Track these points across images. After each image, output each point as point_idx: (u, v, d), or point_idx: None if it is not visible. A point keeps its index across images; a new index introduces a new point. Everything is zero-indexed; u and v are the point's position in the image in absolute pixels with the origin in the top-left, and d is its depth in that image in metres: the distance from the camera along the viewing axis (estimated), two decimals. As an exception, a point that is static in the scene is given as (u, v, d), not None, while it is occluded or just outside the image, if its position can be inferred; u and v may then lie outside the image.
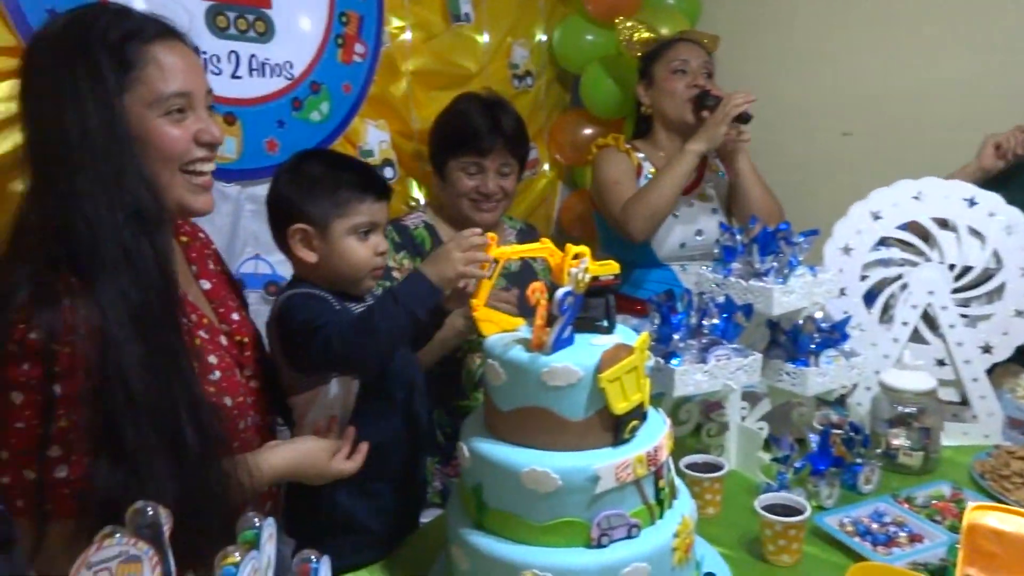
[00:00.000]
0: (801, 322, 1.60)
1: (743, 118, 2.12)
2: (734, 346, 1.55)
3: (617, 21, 2.49)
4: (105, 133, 1.06)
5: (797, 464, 1.46)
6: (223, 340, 1.29)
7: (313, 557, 0.76)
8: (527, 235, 2.10)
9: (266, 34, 1.83)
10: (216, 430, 1.12)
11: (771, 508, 1.31)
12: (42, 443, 1.03)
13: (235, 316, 1.34)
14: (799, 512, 1.30)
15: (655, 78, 2.29)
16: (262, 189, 1.85)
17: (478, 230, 1.29)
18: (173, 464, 1.04)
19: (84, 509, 1.02)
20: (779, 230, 1.61)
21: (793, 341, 1.60)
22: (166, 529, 0.69)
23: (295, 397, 1.37)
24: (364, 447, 1.32)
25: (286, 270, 1.86)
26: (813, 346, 1.58)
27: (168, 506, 0.98)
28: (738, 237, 1.67)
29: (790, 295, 1.58)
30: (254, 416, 1.32)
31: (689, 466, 1.46)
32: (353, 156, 1.98)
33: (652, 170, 2.27)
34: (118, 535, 0.64)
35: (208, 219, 1.73)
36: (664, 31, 2.52)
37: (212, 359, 1.23)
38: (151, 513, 0.68)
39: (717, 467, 1.46)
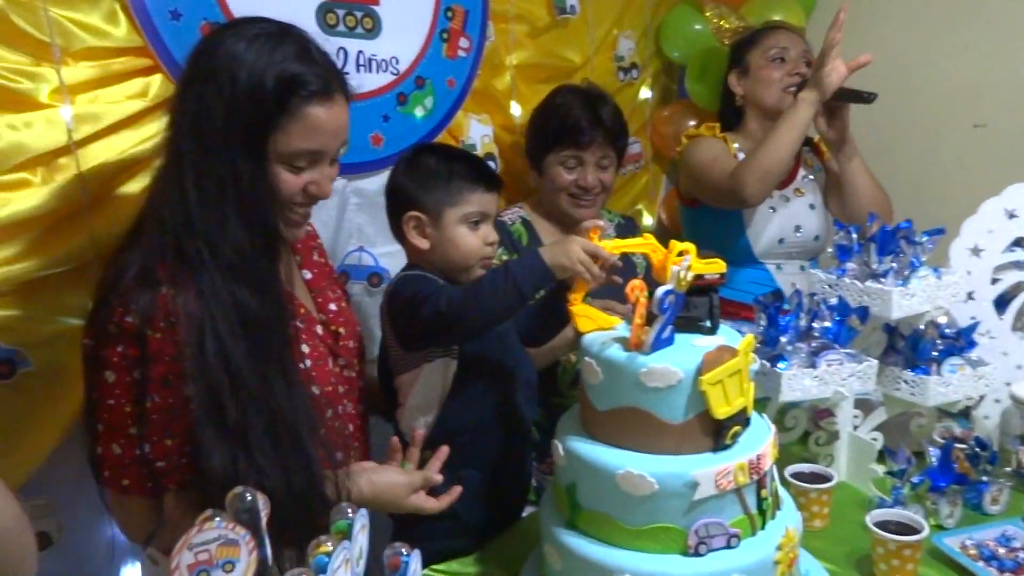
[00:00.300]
0: (923, 327, 1.50)
1: (865, 98, 1.96)
2: (847, 351, 1.46)
3: (708, 9, 2.39)
4: (249, 160, 1.13)
5: (914, 479, 1.37)
6: (319, 329, 1.33)
7: (404, 550, 0.76)
8: (626, 228, 2.06)
9: (373, 31, 1.86)
10: (312, 419, 1.16)
11: (884, 525, 1.24)
12: (129, 421, 1.10)
13: (332, 307, 1.37)
14: (915, 531, 1.21)
15: (750, 66, 2.17)
16: (367, 183, 1.90)
17: (600, 223, 1.30)
18: (273, 445, 1.09)
19: (192, 483, 1.08)
20: (900, 228, 1.52)
21: (913, 348, 1.50)
22: (264, 515, 0.71)
23: (400, 377, 1.42)
24: (457, 490, 1.33)
25: (389, 262, 1.90)
26: (935, 353, 1.48)
27: (272, 484, 1.04)
28: (854, 235, 1.58)
29: (911, 298, 1.48)
30: (346, 405, 1.35)
31: (795, 475, 1.39)
32: (466, 150, 1.99)
33: None
34: (218, 519, 0.66)
35: (314, 212, 1.80)
36: (778, 17, 2.41)
37: (304, 348, 1.26)
38: (249, 499, 0.69)
39: (826, 478, 1.39)
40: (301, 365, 1.24)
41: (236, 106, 1.11)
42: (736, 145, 2.17)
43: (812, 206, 2.20)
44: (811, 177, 2.23)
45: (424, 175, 1.43)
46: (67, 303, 1.38)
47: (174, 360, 1.08)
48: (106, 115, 1.43)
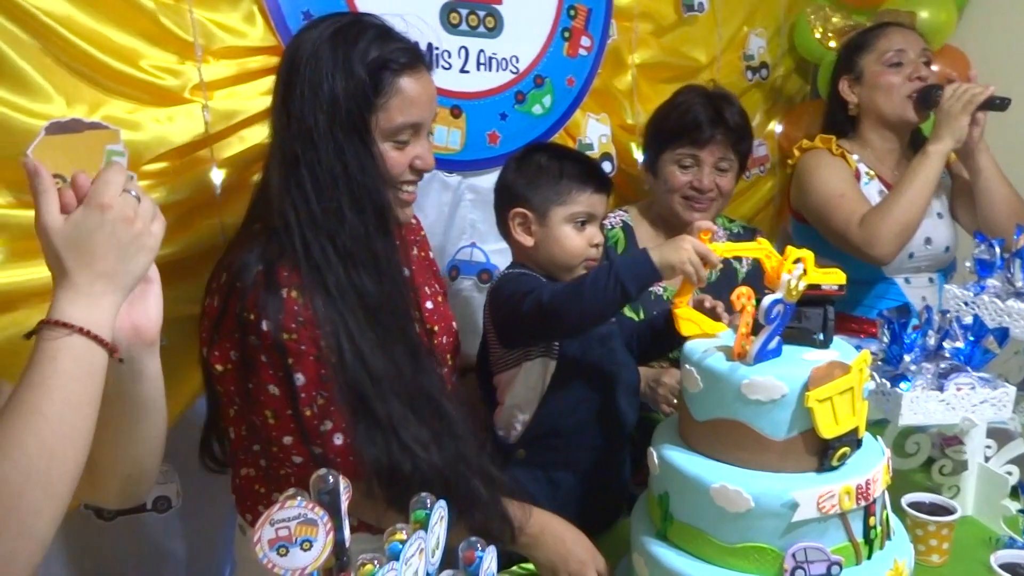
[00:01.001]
0: (1072, 354, 1.36)
1: (997, 104, 1.79)
2: (981, 375, 1.35)
3: (809, 8, 2.24)
4: (358, 145, 1.18)
5: (1052, 520, 1.25)
6: (415, 327, 1.33)
7: (480, 544, 0.76)
8: (745, 239, 1.97)
9: (495, 29, 1.88)
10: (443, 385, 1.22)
11: (1013, 568, 1.13)
12: (298, 424, 1.15)
13: (429, 304, 1.39)
14: (1048, 577, 1.10)
15: (865, 72, 2.00)
16: (482, 180, 1.93)
17: (711, 225, 1.27)
18: (419, 422, 1.14)
19: (357, 473, 1.11)
20: (1051, 244, 1.38)
21: (1059, 376, 1.37)
22: (344, 498, 0.73)
23: (499, 375, 1.43)
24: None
25: (499, 259, 1.92)
26: (1086, 384, 1.34)
27: (429, 461, 1.12)
28: (997, 249, 1.45)
29: (1059, 321, 1.35)
30: None
31: (913, 505, 1.30)
32: (578, 150, 1.98)
33: (870, 172, 2.01)
34: (299, 498, 0.69)
35: (429, 206, 1.85)
36: (924, 14, 2.25)
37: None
38: (332, 481, 0.72)
39: (948, 510, 1.28)
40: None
41: (336, 100, 1.16)
42: (855, 157, 2.02)
43: (940, 215, 2.04)
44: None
45: (533, 172, 1.43)
46: (200, 284, 1.48)
47: (319, 359, 1.13)
48: (241, 110, 1.52)
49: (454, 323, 1.46)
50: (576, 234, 1.41)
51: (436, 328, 1.39)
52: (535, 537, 1.22)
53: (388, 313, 1.18)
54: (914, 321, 1.40)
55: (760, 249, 1.21)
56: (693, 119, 1.77)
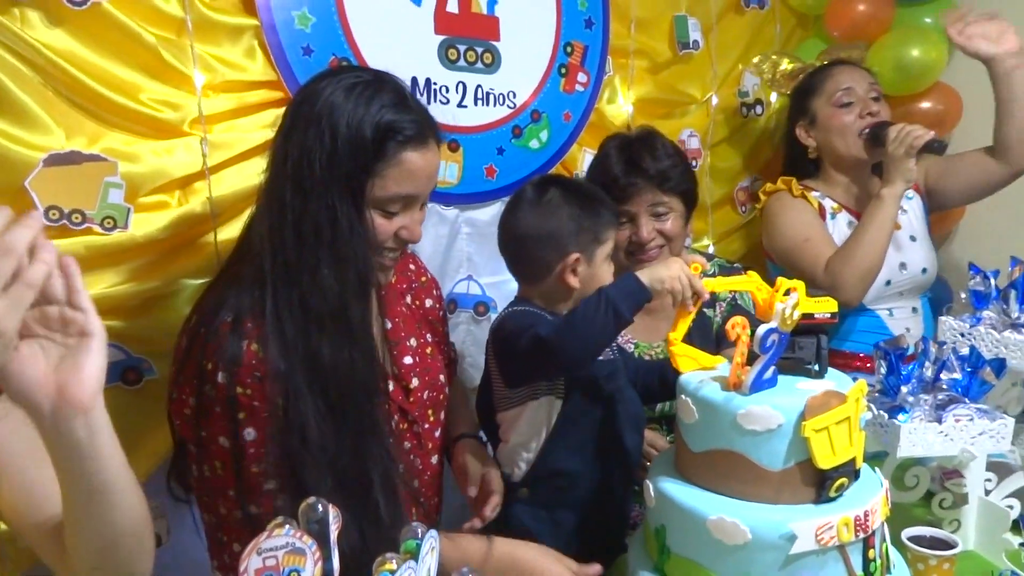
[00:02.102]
0: (1070, 385, 1.35)
1: (935, 148, 1.83)
2: (979, 406, 1.34)
3: (756, 60, 2.25)
4: (349, 201, 1.15)
5: (1055, 554, 1.23)
6: (390, 385, 1.31)
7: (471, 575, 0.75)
8: (729, 273, 1.96)
9: (492, 65, 1.91)
10: (401, 485, 1.18)
11: (1015, 602, 1.11)
12: (237, 482, 1.13)
13: (407, 359, 1.35)
14: (1052, 612, 1.08)
15: (818, 116, 2.03)
16: (479, 213, 1.94)
17: (701, 259, 1.27)
18: (357, 512, 1.08)
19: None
20: (1046, 275, 1.38)
21: (1058, 407, 1.36)
22: (334, 528, 0.72)
23: (503, 413, 1.40)
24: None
25: (496, 292, 1.92)
26: (1085, 416, 1.33)
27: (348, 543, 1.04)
28: (992, 281, 1.46)
29: (1056, 352, 1.34)
30: (413, 460, 1.33)
31: (913, 539, 1.28)
32: (585, 182, 1.96)
33: (835, 206, 2.03)
34: (288, 527, 0.68)
35: (426, 239, 1.85)
36: (915, 52, 2.28)
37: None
38: (321, 510, 0.71)
39: (949, 544, 1.27)
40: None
41: (336, 154, 1.14)
42: (817, 193, 2.04)
43: (913, 238, 2.05)
44: (904, 208, 2.02)
45: (576, 215, 1.38)
46: (193, 317, 1.48)
47: (271, 416, 1.11)
48: (238, 143, 1.53)
49: (442, 376, 1.42)
50: (609, 269, 1.42)
51: (415, 383, 1.34)
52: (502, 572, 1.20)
53: (346, 383, 1.14)
54: (910, 350, 1.39)
55: (750, 282, 1.22)
56: (610, 175, 1.68)
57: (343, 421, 1.13)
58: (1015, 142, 1.92)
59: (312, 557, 0.68)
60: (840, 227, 2.00)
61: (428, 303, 1.49)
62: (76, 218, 1.37)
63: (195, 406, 1.13)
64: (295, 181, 1.15)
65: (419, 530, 0.75)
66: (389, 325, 1.35)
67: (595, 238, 1.39)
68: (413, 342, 1.39)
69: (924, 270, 2.05)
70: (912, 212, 2.08)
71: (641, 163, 1.66)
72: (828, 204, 2.04)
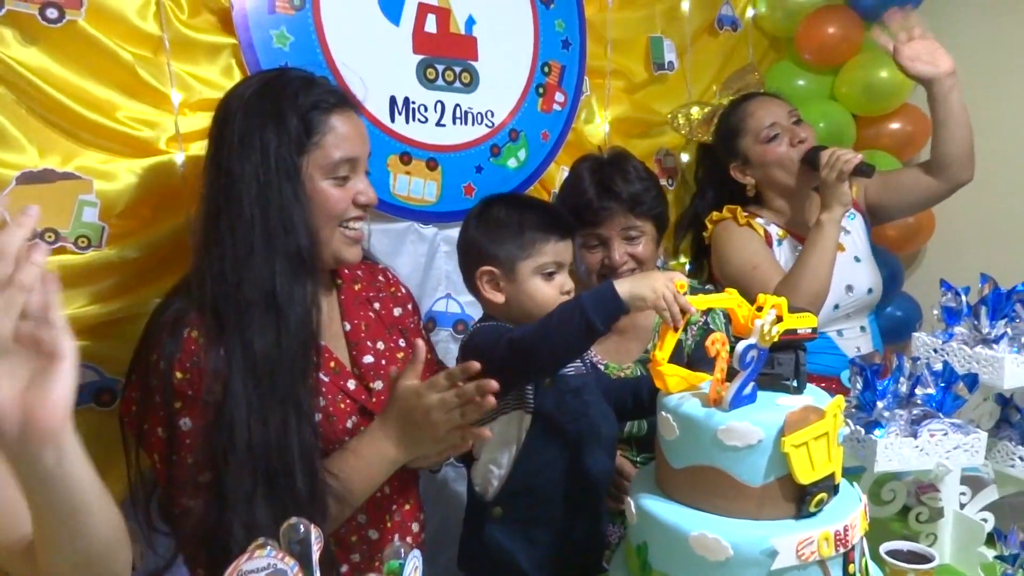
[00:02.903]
0: (1041, 399, 1.38)
1: (863, 171, 1.87)
2: (953, 421, 1.36)
3: (669, 116, 2.29)
4: (284, 187, 1.19)
5: (1029, 566, 1.24)
6: (351, 384, 1.31)
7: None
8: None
9: (471, 85, 1.92)
10: (322, 481, 1.17)
11: (992, 615, 1.12)
12: (165, 475, 1.15)
13: (368, 359, 1.35)
14: (1028, 624, 1.09)
15: (750, 155, 2.04)
16: (457, 231, 1.93)
17: (683, 278, 1.24)
18: (276, 510, 1.10)
19: (184, 539, 1.13)
20: (1015, 291, 1.41)
21: (1030, 421, 1.38)
22: (316, 548, 0.71)
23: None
24: (486, 433, 1.23)
25: (474, 310, 1.91)
26: (1056, 429, 1.35)
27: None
28: (963, 297, 1.48)
29: (1026, 367, 1.37)
30: None
31: (891, 553, 1.28)
32: (537, 198, 1.97)
33: (780, 232, 2.05)
34: (268, 548, 0.67)
35: (405, 257, 1.85)
36: (883, 74, 2.33)
37: (321, 401, 1.25)
38: (303, 530, 0.70)
39: (926, 558, 1.27)
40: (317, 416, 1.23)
41: (265, 149, 1.19)
42: (762, 220, 2.06)
43: (858, 259, 2.07)
44: (847, 229, 2.06)
45: (494, 227, 1.39)
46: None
47: (205, 407, 1.13)
48: (215, 161, 1.53)
49: None
50: (546, 285, 1.38)
51: (378, 385, 1.34)
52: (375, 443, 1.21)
53: (276, 365, 1.15)
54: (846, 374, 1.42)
55: (731, 299, 1.22)
56: (584, 199, 1.68)
57: (271, 407, 1.14)
58: (953, 160, 1.97)
59: (294, 578, 0.67)
60: (786, 253, 2.03)
61: (396, 312, 1.48)
62: (49, 237, 1.35)
63: (139, 400, 1.17)
64: (227, 188, 1.19)
65: (402, 550, 0.74)
66: (348, 327, 1.37)
67: (519, 253, 1.36)
68: (381, 345, 1.39)
69: (870, 290, 2.07)
70: (855, 232, 2.11)
71: (613, 187, 1.66)
72: (774, 231, 2.06)
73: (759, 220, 2.06)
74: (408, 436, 1.19)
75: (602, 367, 1.72)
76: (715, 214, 2.11)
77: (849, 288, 2.03)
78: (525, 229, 1.37)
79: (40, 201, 1.35)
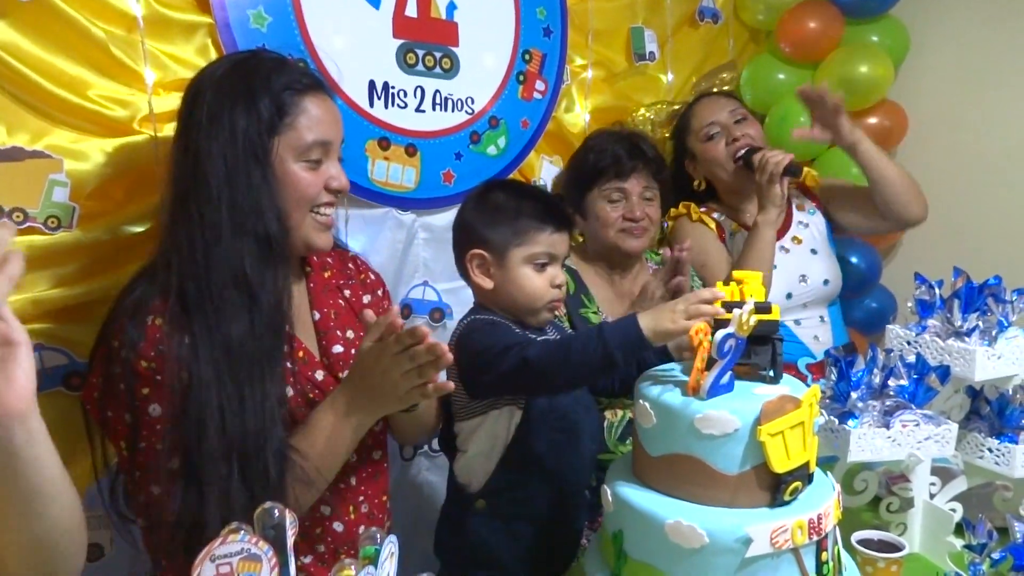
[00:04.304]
0: (1010, 392, 1.40)
1: (792, 171, 1.91)
2: (925, 412, 1.37)
3: (631, 115, 2.31)
4: (252, 169, 1.17)
5: (996, 555, 1.26)
6: (319, 374, 1.29)
7: (431, 581, 0.74)
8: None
9: (451, 70, 1.91)
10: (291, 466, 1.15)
11: (960, 602, 1.14)
12: (130, 463, 1.13)
13: (338, 348, 1.33)
14: (995, 612, 1.11)
15: (696, 151, 2.12)
16: (436, 218, 1.93)
17: (715, 290, 1.16)
18: (248, 495, 1.09)
19: (155, 525, 1.11)
20: (987, 285, 1.43)
21: (999, 413, 1.41)
22: (291, 534, 0.70)
23: (462, 423, 1.38)
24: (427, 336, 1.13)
25: (452, 299, 1.91)
26: (1024, 421, 1.37)
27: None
28: (937, 291, 1.50)
29: (997, 360, 1.39)
30: None
31: (862, 542, 1.30)
32: (540, 188, 1.98)
33: (734, 225, 2.11)
34: (242, 532, 0.66)
35: (382, 244, 1.84)
36: (863, 69, 2.35)
37: (288, 391, 1.22)
38: (277, 515, 0.69)
39: (896, 547, 1.29)
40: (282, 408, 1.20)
41: (234, 130, 1.16)
42: (717, 215, 2.13)
43: (814, 251, 2.12)
44: (805, 223, 2.15)
45: (491, 212, 1.38)
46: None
47: (173, 394, 1.11)
48: (190, 142, 1.50)
49: None
50: (536, 275, 1.36)
51: (342, 375, 1.31)
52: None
53: (247, 350, 1.14)
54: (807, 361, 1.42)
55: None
56: (613, 155, 1.81)
57: (243, 393, 1.12)
58: (891, 204, 2.00)
59: (268, 563, 0.66)
60: (739, 246, 2.06)
61: (366, 299, 1.46)
62: (18, 217, 1.32)
63: (101, 386, 1.14)
64: (195, 170, 1.17)
65: (378, 535, 0.73)
66: (318, 316, 1.34)
67: (512, 239, 1.35)
68: (350, 334, 1.37)
69: (826, 281, 2.11)
70: (814, 227, 2.17)
71: (641, 146, 1.83)
72: (727, 224, 2.13)
73: (714, 215, 2.12)
74: (366, 396, 1.16)
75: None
76: (672, 210, 2.16)
77: (803, 278, 2.09)
78: (521, 216, 1.37)
79: (8, 179, 1.33)
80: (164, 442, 1.11)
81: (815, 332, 2.08)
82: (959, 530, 1.39)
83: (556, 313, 1.46)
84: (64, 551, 0.87)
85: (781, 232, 2.08)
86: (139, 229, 1.44)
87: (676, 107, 2.32)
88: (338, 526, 1.30)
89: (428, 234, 1.91)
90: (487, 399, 1.35)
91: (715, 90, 2.31)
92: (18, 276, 0.71)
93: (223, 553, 0.65)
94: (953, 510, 1.41)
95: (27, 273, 1.30)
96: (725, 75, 2.45)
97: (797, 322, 2.09)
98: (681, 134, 2.18)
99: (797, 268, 2.08)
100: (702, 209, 2.13)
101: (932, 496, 1.44)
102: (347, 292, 1.42)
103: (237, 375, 1.12)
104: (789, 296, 2.07)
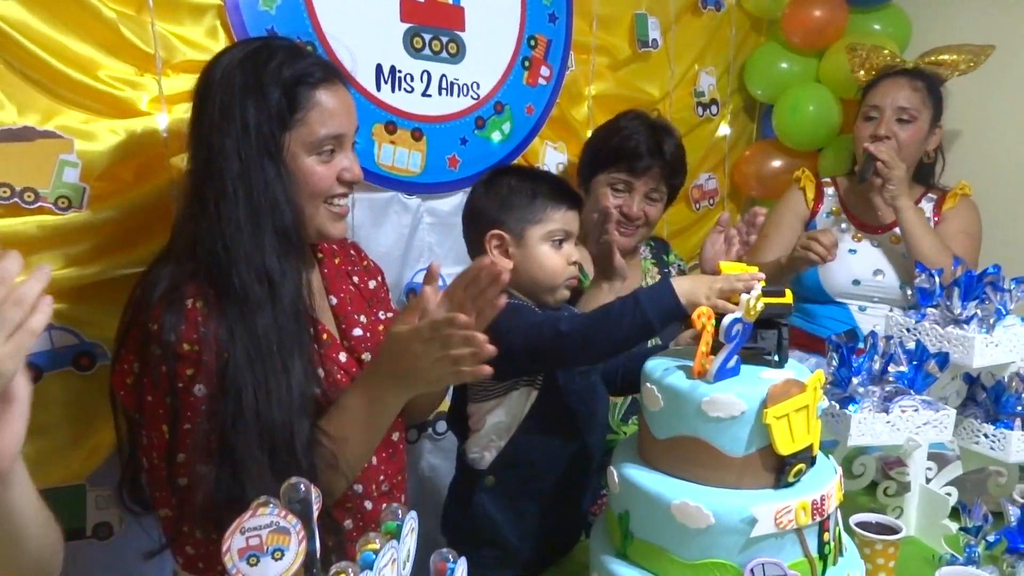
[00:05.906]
0: (1007, 379, 1.42)
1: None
2: (923, 398, 1.40)
3: (848, 46, 2.28)
4: (266, 165, 1.16)
5: (990, 538, 1.30)
6: (342, 356, 1.30)
7: (451, 556, 0.76)
8: (659, 249, 2.02)
9: (457, 55, 1.91)
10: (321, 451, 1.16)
11: (955, 583, 1.17)
12: (171, 445, 1.12)
13: (357, 331, 1.35)
14: (990, 592, 1.14)
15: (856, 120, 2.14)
16: (441, 203, 1.94)
17: (756, 274, 1.18)
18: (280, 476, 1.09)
19: (190, 505, 1.11)
20: (986, 274, 1.45)
21: (995, 400, 1.43)
22: (316, 507, 0.72)
23: (477, 404, 1.39)
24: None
25: (456, 283, 1.92)
26: (1020, 408, 1.40)
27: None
28: (936, 279, 1.52)
29: (995, 347, 1.42)
30: None
31: (860, 524, 1.33)
32: (545, 170, 1.98)
33: (836, 209, 2.13)
34: (272, 506, 0.68)
35: (388, 228, 1.84)
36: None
37: (321, 372, 1.24)
38: (303, 490, 0.71)
39: (893, 530, 1.32)
40: (317, 389, 1.21)
41: (245, 123, 1.15)
42: (831, 192, 2.19)
43: (905, 256, 2.12)
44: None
45: (505, 194, 1.41)
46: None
47: (215, 374, 1.11)
48: (199, 124, 1.50)
49: None
50: (555, 253, 1.39)
51: (367, 357, 1.34)
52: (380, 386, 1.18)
53: (277, 343, 1.14)
54: (860, 345, 1.45)
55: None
56: (634, 146, 1.78)
57: (272, 382, 1.12)
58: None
59: (296, 536, 0.67)
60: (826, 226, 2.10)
61: (372, 284, 1.48)
62: (28, 196, 1.32)
63: (138, 371, 1.13)
64: (209, 162, 1.16)
65: (399, 511, 0.75)
66: (335, 301, 1.36)
67: (527, 217, 1.38)
68: (363, 318, 1.38)
69: (902, 285, 2.11)
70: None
71: (664, 146, 1.79)
72: (833, 203, 2.18)
73: (828, 189, 2.19)
74: (398, 379, 1.15)
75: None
76: (797, 172, 2.23)
77: (878, 271, 2.11)
78: (537, 196, 1.40)
79: (19, 159, 1.33)
80: (208, 422, 1.10)
81: (876, 322, 2.06)
82: (955, 513, 1.42)
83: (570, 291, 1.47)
84: (46, 566, 0.90)
85: (885, 228, 2.12)
86: (149, 210, 1.45)
87: (896, 61, 2.23)
88: (368, 504, 1.31)
89: (433, 219, 1.92)
90: (512, 379, 1.36)
91: (911, 67, 2.21)
92: (41, 331, 0.72)
93: (253, 526, 0.67)
94: (949, 494, 1.44)
95: (37, 253, 1.33)
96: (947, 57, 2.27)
97: (861, 308, 2.13)
98: (863, 94, 2.17)
99: (877, 262, 2.11)
100: (827, 179, 2.17)
101: (928, 480, 1.47)
102: (355, 278, 1.44)
103: (264, 367, 1.12)
104: (856, 283, 2.10)
